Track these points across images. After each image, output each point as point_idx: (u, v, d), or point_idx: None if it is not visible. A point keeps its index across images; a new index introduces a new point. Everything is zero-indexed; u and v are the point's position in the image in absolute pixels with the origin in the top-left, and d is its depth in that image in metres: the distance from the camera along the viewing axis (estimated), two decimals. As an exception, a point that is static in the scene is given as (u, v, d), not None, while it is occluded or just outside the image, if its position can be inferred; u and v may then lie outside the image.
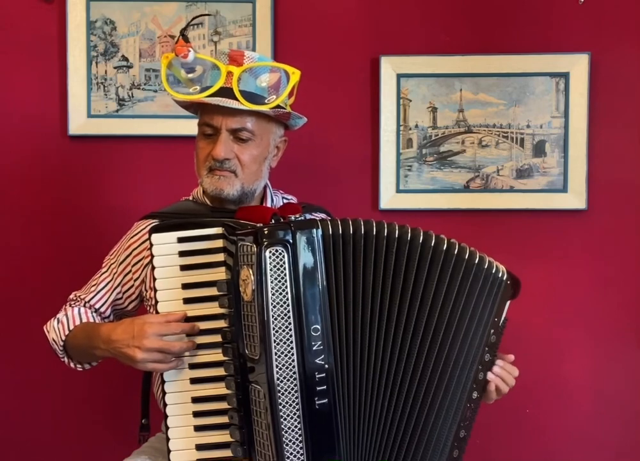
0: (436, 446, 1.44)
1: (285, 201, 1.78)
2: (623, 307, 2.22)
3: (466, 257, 1.43)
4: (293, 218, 1.41)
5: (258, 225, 1.43)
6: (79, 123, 2.21)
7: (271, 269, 1.33)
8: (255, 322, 1.35)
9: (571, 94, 2.19)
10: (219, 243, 1.46)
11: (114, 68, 2.22)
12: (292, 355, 1.33)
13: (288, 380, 1.33)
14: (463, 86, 2.21)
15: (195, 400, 1.46)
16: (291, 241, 1.34)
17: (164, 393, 1.48)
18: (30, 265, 2.23)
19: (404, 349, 1.41)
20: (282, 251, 1.33)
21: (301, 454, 1.35)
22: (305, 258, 1.35)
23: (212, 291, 1.45)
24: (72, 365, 1.71)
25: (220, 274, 1.45)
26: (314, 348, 1.34)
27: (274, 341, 1.33)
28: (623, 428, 2.23)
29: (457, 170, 2.22)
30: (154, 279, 1.50)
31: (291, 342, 1.33)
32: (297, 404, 1.34)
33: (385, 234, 1.39)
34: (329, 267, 1.37)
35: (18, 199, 2.23)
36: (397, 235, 1.39)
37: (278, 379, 1.33)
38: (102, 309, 1.72)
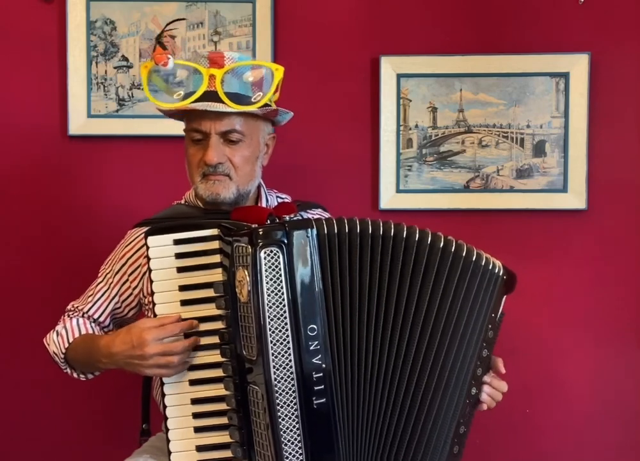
0: (437, 443, 1.44)
1: (279, 200, 1.77)
2: (623, 307, 2.22)
3: (464, 254, 1.42)
4: (288, 218, 1.41)
5: (253, 225, 1.43)
6: (79, 123, 2.21)
7: (266, 270, 1.33)
8: (251, 323, 1.35)
9: (571, 94, 2.19)
10: (215, 245, 1.46)
11: (114, 68, 2.22)
12: (289, 355, 1.33)
13: (285, 381, 1.33)
14: (463, 86, 2.21)
15: (194, 401, 1.46)
16: (286, 241, 1.34)
17: (163, 395, 1.48)
18: (30, 265, 2.23)
19: (401, 348, 1.40)
20: (277, 251, 1.33)
21: (300, 454, 1.35)
22: (300, 258, 1.35)
23: (209, 293, 1.45)
24: (75, 375, 1.69)
25: (217, 275, 1.45)
26: (311, 348, 1.34)
27: (271, 342, 1.33)
28: (623, 428, 2.23)
29: (457, 170, 2.22)
30: (151, 282, 1.49)
31: (288, 342, 1.33)
32: (295, 404, 1.34)
33: (381, 233, 1.38)
34: (325, 266, 1.36)
35: (18, 199, 2.23)
36: (392, 234, 1.39)
37: (275, 379, 1.33)
38: (101, 319, 1.71)
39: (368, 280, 1.38)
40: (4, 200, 2.23)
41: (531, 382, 2.22)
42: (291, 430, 1.34)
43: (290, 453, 1.34)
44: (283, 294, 1.33)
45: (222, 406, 1.44)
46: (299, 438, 1.34)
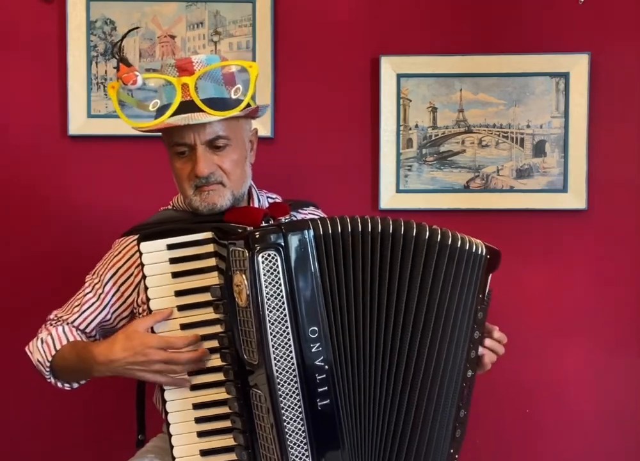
0: (440, 430, 1.45)
1: (270, 200, 1.75)
2: (623, 307, 2.22)
3: (449, 242, 1.42)
4: (284, 220, 1.40)
5: (249, 228, 1.42)
6: (79, 123, 2.21)
7: (264, 274, 1.32)
8: (251, 327, 1.34)
9: (571, 94, 2.19)
10: (209, 248, 1.45)
11: (114, 68, 2.22)
12: (292, 358, 1.33)
13: (289, 384, 1.33)
14: (463, 86, 2.21)
15: (196, 406, 1.46)
16: (283, 244, 1.32)
17: (164, 401, 1.47)
18: (29, 264, 2.23)
19: (396, 340, 1.40)
20: (275, 255, 1.32)
21: (307, 457, 1.34)
22: (299, 260, 1.34)
23: (206, 297, 1.44)
24: (59, 385, 1.63)
25: (213, 279, 1.44)
26: (313, 350, 1.34)
27: (272, 346, 1.32)
28: (623, 428, 2.23)
29: (457, 170, 2.22)
30: (146, 288, 1.47)
31: (289, 345, 1.33)
32: (299, 407, 1.33)
33: (369, 229, 1.38)
34: (323, 267, 1.36)
35: (17, 199, 2.23)
36: (379, 230, 1.38)
37: (278, 383, 1.32)
38: (88, 330, 1.66)
39: (362, 277, 1.38)
40: (4, 199, 2.23)
41: (531, 382, 2.22)
42: (296, 433, 1.33)
43: (296, 456, 1.34)
44: (282, 297, 1.32)
45: (224, 409, 1.44)
46: (305, 440, 1.34)
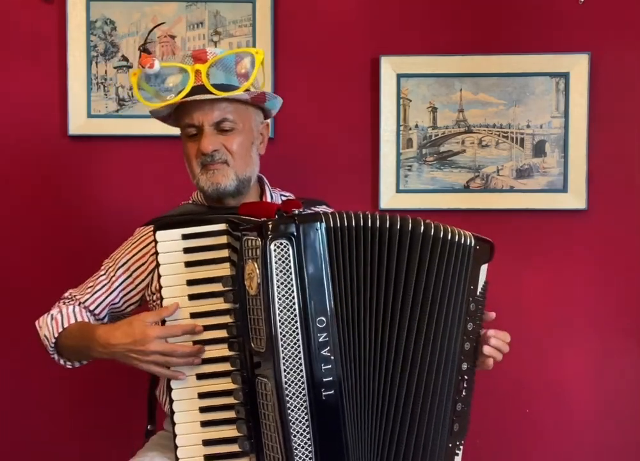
0: (437, 423, 1.46)
1: (283, 198, 1.79)
2: (623, 307, 2.22)
3: (441, 235, 1.45)
4: (297, 212, 1.42)
5: (262, 219, 1.44)
6: (79, 123, 2.21)
7: (276, 262, 1.34)
8: (260, 315, 1.36)
9: (571, 94, 2.19)
10: (223, 239, 1.47)
11: (114, 68, 2.22)
12: (299, 347, 1.35)
13: (295, 372, 1.34)
14: (463, 86, 2.21)
15: (202, 396, 1.47)
16: (295, 234, 1.35)
17: (170, 389, 1.48)
18: (29, 264, 2.23)
19: (394, 329, 1.42)
20: (287, 244, 1.35)
21: (309, 446, 1.35)
22: (310, 251, 1.36)
23: (217, 287, 1.46)
24: (61, 362, 1.69)
25: (224, 270, 1.46)
26: (320, 340, 1.36)
27: (281, 333, 1.34)
28: (623, 428, 2.23)
29: (457, 170, 2.22)
30: (159, 276, 1.50)
31: (297, 334, 1.35)
32: (304, 395, 1.35)
33: (379, 224, 1.42)
34: (333, 259, 1.38)
35: (18, 199, 2.23)
36: (387, 225, 1.43)
37: (284, 371, 1.34)
38: (97, 311, 1.71)
39: (370, 271, 1.41)
40: (4, 199, 2.23)
41: (531, 382, 2.22)
42: (300, 422, 1.35)
43: (299, 444, 1.35)
44: (292, 286, 1.35)
45: (229, 400, 1.45)
46: (307, 429, 1.35)
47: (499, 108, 2.21)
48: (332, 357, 1.36)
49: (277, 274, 1.34)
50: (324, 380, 1.36)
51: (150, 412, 1.74)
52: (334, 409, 1.36)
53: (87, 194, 2.23)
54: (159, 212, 1.76)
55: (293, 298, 1.35)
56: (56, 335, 1.64)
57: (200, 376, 1.48)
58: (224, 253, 1.47)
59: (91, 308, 1.71)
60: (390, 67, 2.19)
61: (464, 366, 1.50)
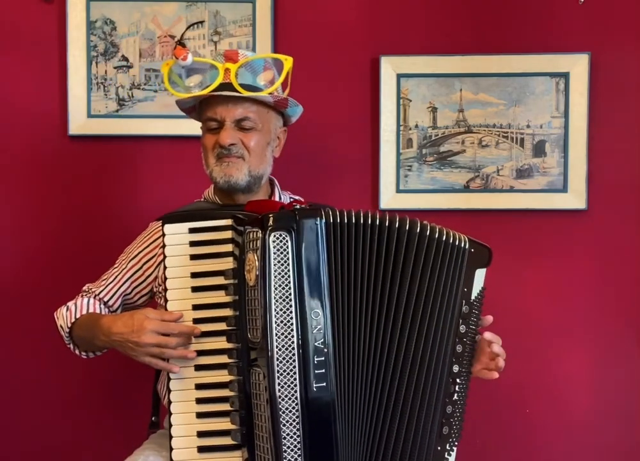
0: (425, 424, 1.47)
1: (292, 200, 1.80)
2: (623, 307, 2.22)
3: (436, 236, 1.48)
4: (298, 207, 1.45)
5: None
6: (79, 123, 2.21)
7: (274, 253, 1.38)
8: (258, 306, 1.39)
9: (571, 94, 2.19)
10: (228, 234, 1.51)
11: (114, 68, 2.22)
12: (292, 336, 1.37)
13: (287, 361, 1.37)
14: (463, 86, 2.21)
15: (198, 387, 1.50)
16: (295, 227, 1.39)
17: (168, 379, 1.52)
18: (30, 265, 2.23)
19: (388, 325, 1.45)
20: (286, 235, 1.38)
21: (298, 436, 1.37)
22: (308, 244, 1.39)
23: (220, 280, 1.50)
24: (77, 352, 1.75)
25: (228, 264, 1.50)
26: (314, 331, 1.38)
27: (275, 323, 1.37)
28: (623, 428, 2.23)
29: (457, 170, 2.22)
30: (165, 268, 1.54)
31: (291, 324, 1.37)
32: (295, 385, 1.37)
33: (378, 223, 1.45)
34: (331, 254, 1.42)
35: (18, 199, 2.23)
36: (387, 224, 1.46)
37: (277, 359, 1.36)
38: (110, 302, 1.77)
39: (367, 267, 1.44)
40: (4, 199, 2.23)
41: (531, 382, 2.22)
42: (290, 412, 1.37)
43: (287, 434, 1.37)
44: (289, 277, 1.38)
45: (225, 392, 1.47)
46: (297, 420, 1.37)
47: (499, 108, 2.21)
48: (325, 350, 1.38)
49: (275, 265, 1.38)
50: (316, 372, 1.37)
51: (155, 404, 1.78)
52: (325, 403, 1.38)
53: (87, 194, 2.23)
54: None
55: (289, 288, 1.38)
56: (69, 325, 1.71)
57: (198, 368, 1.50)
58: (229, 247, 1.50)
59: (105, 299, 1.77)
60: (390, 67, 2.19)
61: (456, 368, 1.50)
